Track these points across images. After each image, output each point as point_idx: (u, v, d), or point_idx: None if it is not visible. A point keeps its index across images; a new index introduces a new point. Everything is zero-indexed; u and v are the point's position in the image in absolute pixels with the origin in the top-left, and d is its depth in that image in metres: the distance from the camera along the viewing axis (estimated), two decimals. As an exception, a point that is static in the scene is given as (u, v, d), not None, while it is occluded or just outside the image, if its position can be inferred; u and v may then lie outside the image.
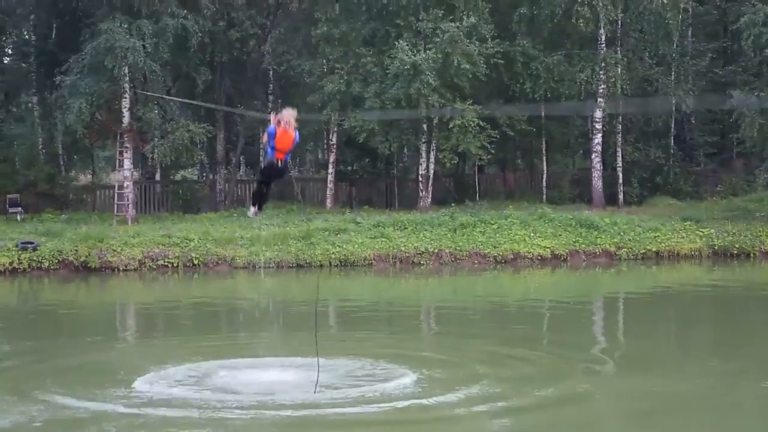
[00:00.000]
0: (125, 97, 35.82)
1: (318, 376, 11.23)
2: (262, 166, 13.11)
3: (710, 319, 19.30)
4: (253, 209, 12.49)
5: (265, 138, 11.72)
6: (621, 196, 39.51)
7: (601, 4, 36.45)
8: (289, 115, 11.59)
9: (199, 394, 11.37)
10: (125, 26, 34.37)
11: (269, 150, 11.64)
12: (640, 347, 15.04)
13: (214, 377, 12.39)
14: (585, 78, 37.58)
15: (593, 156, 39.32)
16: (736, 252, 30.78)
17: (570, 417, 10.41)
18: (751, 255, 30.73)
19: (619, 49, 39.34)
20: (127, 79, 35.35)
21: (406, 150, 42.68)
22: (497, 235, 30.92)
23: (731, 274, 27.96)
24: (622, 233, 31.28)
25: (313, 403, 10.79)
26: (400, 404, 10.75)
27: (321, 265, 28.64)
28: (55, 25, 41.25)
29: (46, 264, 27.89)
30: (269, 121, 11.67)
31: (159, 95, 34.33)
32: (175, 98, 35.40)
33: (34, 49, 41.48)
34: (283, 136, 11.48)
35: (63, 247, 28.41)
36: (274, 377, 12.24)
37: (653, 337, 15.99)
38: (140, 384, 11.95)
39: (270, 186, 12.34)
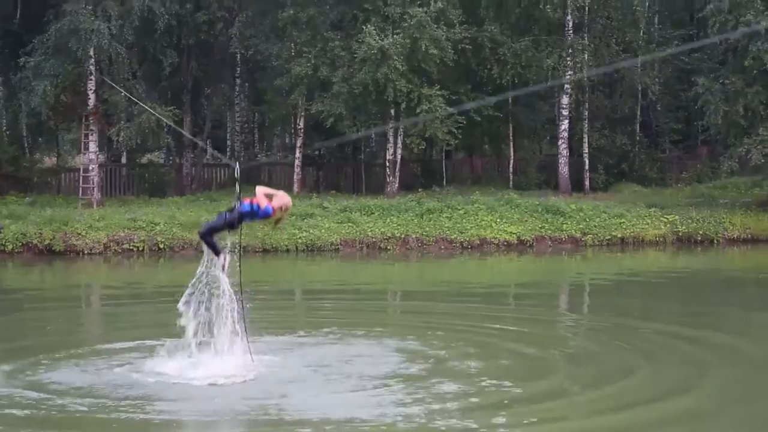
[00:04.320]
0: (91, 79, 35.53)
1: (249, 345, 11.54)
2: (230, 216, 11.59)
3: (675, 302, 19.50)
4: (221, 260, 11.39)
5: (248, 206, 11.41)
6: (587, 183, 39.82)
7: (568, -11, 36.65)
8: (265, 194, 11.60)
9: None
10: (90, 7, 34.07)
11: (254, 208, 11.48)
12: (602, 326, 15.19)
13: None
14: (552, 64, 37.70)
15: (560, 142, 39.51)
16: (700, 238, 31.04)
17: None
18: (715, 241, 31.02)
19: (586, 35, 39.52)
20: (92, 61, 35.05)
21: (373, 135, 42.65)
22: (464, 220, 30.99)
23: (695, 259, 28.27)
24: (587, 219, 31.45)
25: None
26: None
27: (287, 250, 28.60)
28: (19, 5, 40.71)
29: (10, 247, 27.60)
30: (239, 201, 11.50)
31: (121, 86, 33.79)
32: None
33: (-3, 29, 40.98)
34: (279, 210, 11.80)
35: (27, 230, 28.12)
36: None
37: (617, 318, 16.14)
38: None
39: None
